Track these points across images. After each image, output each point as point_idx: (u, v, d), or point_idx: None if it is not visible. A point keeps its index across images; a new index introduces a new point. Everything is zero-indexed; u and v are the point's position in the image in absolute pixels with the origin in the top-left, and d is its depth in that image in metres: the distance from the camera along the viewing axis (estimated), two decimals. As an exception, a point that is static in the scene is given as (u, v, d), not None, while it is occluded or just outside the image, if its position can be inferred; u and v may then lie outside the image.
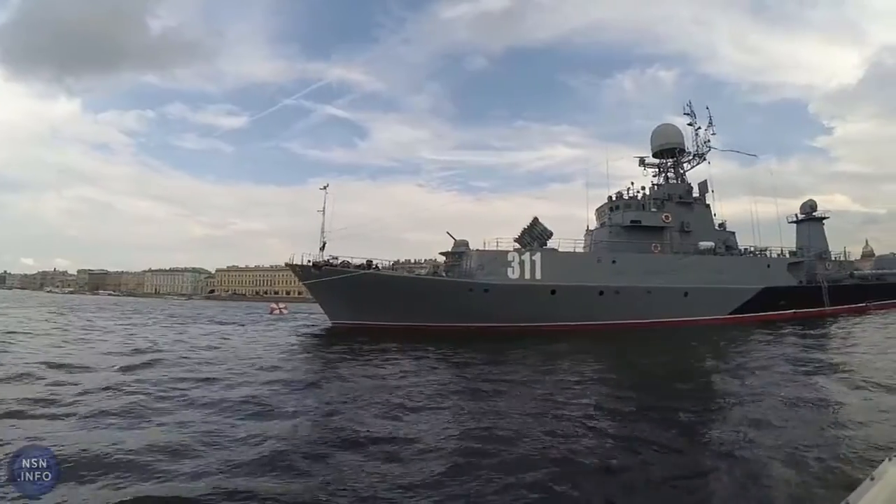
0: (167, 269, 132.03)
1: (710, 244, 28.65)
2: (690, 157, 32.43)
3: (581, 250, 29.34)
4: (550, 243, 27.88)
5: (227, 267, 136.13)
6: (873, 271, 34.26)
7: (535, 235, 27.92)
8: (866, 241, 46.27)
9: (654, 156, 32.70)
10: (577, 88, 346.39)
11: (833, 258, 34.15)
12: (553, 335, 22.24)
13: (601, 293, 26.16)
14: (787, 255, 31.56)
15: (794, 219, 36.00)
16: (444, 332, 23.06)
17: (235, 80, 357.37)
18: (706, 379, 12.15)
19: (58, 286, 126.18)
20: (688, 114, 32.82)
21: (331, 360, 15.09)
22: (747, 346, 18.23)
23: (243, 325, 29.72)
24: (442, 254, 29.83)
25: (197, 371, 12.11)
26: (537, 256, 26.41)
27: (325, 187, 26.79)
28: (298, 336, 23.53)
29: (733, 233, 31.33)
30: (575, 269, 26.62)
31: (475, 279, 25.76)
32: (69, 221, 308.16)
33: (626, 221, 28.74)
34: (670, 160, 32.05)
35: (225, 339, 21.05)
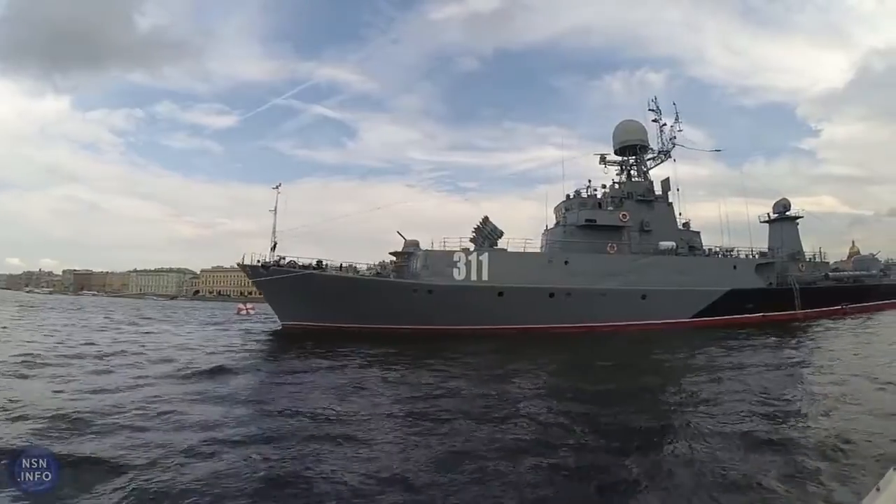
0: (152, 269, 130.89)
1: (671, 244, 26.91)
2: (655, 155, 30.70)
3: (538, 251, 27.68)
4: (515, 243, 26.44)
5: (213, 267, 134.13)
6: (850, 273, 32.44)
7: (484, 235, 26.26)
8: (853, 243, 44.24)
9: (617, 153, 30.99)
10: (566, 90, 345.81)
11: (809, 259, 32.35)
12: (500, 338, 21.19)
13: (551, 295, 24.52)
14: (757, 256, 29.76)
15: (766, 218, 34.18)
16: (389, 334, 22.17)
17: (225, 80, 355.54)
18: (639, 387, 11.02)
19: (38, 286, 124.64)
20: (653, 110, 31.20)
21: (233, 368, 13.18)
22: (698, 352, 16.61)
23: (203, 326, 28.57)
24: (391, 254, 28.24)
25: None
26: (484, 257, 24.93)
27: (277, 187, 26.51)
28: (241, 339, 21.96)
29: (698, 232, 29.61)
30: (524, 270, 25.02)
31: (419, 280, 24.58)
32: (56, 221, 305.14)
33: (580, 221, 27.07)
34: (632, 157, 30.32)
35: (146, 342, 19.27)
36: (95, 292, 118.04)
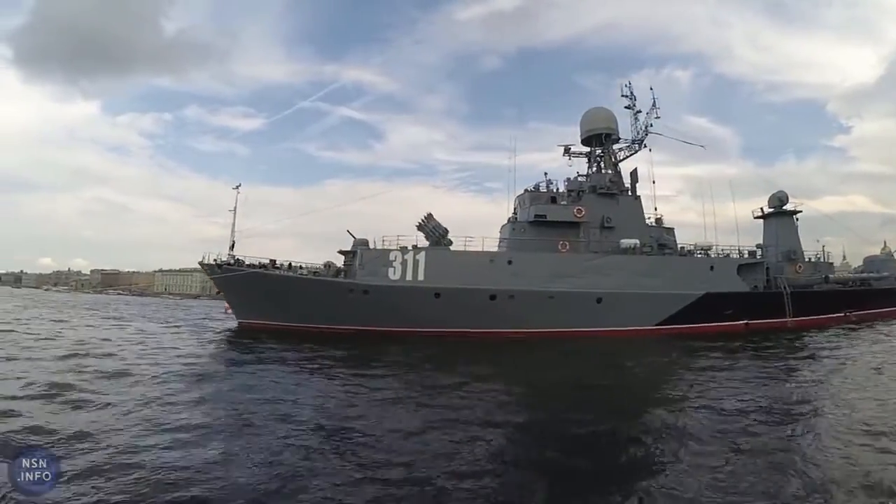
0: (177, 269, 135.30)
1: (634, 242, 24.04)
2: (629, 144, 27.80)
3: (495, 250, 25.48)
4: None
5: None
6: (856, 275, 28.22)
7: (427, 232, 24.34)
8: (884, 243, 39.15)
9: (584, 143, 28.29)
10: (591, 88, 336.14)
11: (808, 259, 28.39)
12: (435, 342, 19.68)
13: (493, 297, 22.31)
14: (742, 256, 26.19)
15: (760, 213, 30.30)
16: (331, 334, 21.43)
17: (250, 82, 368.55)
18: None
19: (66, 285, 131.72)
20: (626, 96, 28.23)
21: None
22: (630, 366, 14.25)
23: (178, 325, 28.21)
24: (340, 252, 26.86)
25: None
26: (421, 256, 23.18)
27: (237, 187, 26.65)
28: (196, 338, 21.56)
29: (670, 229, 26.48)
30: (463, 271, 22.97)
31: (356, 279, 23.33)
32: (85, 222, 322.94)
33: (530, 216, 24.60)
34: (599, 149, 27.56)
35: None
36: (121, 291, 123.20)
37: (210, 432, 7.01)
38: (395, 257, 23.28)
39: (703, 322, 23.36)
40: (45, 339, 17.95)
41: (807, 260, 28.18)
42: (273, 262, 25.47)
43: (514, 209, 26.44)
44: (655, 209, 27.07)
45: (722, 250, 26.38)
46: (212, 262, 25.37)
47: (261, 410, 8.33)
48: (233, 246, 25.83)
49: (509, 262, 23.19)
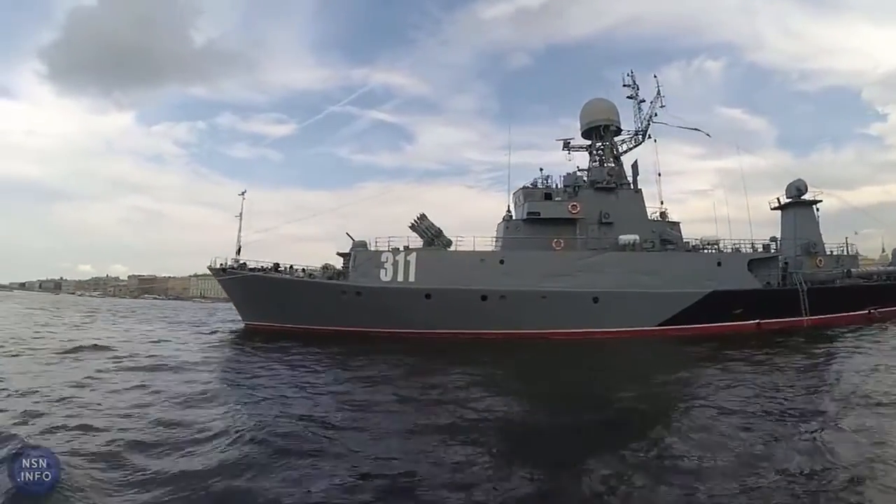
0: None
1: (633, 238, 22.99)
2: (631, 136, 26.68)
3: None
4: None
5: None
6: (883, 268, 26.03)
7: (419, 232, 24.15)
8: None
9: (584, 136, 27.33)
10: (619, 82, 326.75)
11: (830, 252, 26.40)
12: (427, 344, 19.42)
13: (484, 298, 21.86)
14: (760, 249, 24.56)
15: (777, 204, 28.37)
16: (328, 335, 21.58)
17: (281, 89, 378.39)
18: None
19: (88, 291, 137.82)
20: (628, 85, 27.12)
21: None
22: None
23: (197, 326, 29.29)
24: (338, 254, 27.09)
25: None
26: (412, 257, 23.07)
27: (242, 193, 27.39)
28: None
29: (675, 223, 25.19)
30: (454, 271, 22.65)
31: (349, 281, 23.53)
32: (124, 229, 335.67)
33: (524, 214, 23.94)
34: (599, 142, 26.57)
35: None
36: (156, 296, 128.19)
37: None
38: (387, 258, 23.21)
39: (709, 322, 22.13)
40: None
41: (829, 253, 26.22)
42: (276, 265, 25.93)
43: (508, 207, 25.79)
44: (662, 203, 25.92)
45: (733, 244, 24.86)
46: (217, 266, 26.09)
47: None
48: (239, 250, 26.53)
49: (501, 262, 22.66)
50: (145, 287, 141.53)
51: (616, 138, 26.94)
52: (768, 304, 22.94)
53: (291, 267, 26.28)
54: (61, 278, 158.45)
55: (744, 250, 24.45)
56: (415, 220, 24.44)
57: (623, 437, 6.80)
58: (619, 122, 26.78)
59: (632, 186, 25.22)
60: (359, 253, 23.92)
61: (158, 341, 19.93)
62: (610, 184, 24.62)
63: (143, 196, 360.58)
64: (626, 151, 26.66)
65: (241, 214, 26.89)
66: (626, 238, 23.00)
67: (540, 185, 25.16)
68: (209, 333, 24.52)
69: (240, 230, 26.67)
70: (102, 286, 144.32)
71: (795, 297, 22.92)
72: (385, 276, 23.02)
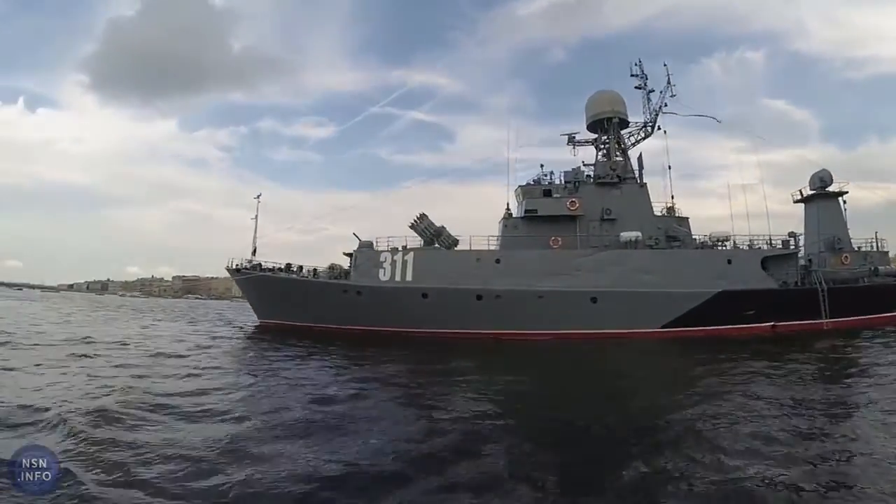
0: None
1: (634, 234, 22.00)
2: (640, 128, 25.45)
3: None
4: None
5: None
6: None
7: (419, 232, 24.01)
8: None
9: (590, 129, 26.26)
10: (661, 76, 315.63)
11: (858, 248, 24.42)
12: (424, 343, 19.39)
13: (479, 297, 21.52)
14: (777, 245, 22.99)
15: (799, 196, 26.37)
16: (334, 333, 22.10)
17: (321, 92, 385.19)
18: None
19: (131, 292, 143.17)
20: (635, 75, 25.76)
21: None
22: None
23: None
24: (345, 254, 27.41)
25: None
26: (409, 256, 23.04)
27: (257, 197, 28.54)
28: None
29: (684, 219, 23.88)
30: (451, 270, 22.47)
31: (350, 280, 23.89)
32: (169, 232, 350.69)
33: (522, 212, 23.31)
34: (605, 135, 25.48)
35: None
36: (199, 296, 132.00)
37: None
38: (385, 258, 23.29)
39: (719, 324, 20.97)
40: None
41: (856, 249, 24.26)
42: (288, 265, 26.64)
43: (507, 205, 25.16)
44: (672, 197, 24.64)
45: (749, 241, 23.36)
46: (234, 267, 27.28)
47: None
48: (254, 251, 27.69)
49: (497, 261, 22.20)
50: (189, 287, 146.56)
51: (624, 131, 25.75)
52: (784, 305, 21.50)
53: (301, 267, 26.79)
54: (108, 280, 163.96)
55: (761, 247, 22.95)
56: (415, 220, 24.27)
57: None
58: (625, 114, 25.59)
59: (637, 180, 24.06)
60: (359, 253, 24.10)
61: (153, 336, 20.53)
62: (612, 178, 23.58)
63: (188, 199, 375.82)
64: (634, 144, 25.47)
65: (256, 217, 27.95)
66: (627, 235, 22.04)
67: (543, 182, 24.45)
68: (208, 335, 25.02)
69: (255, 232, 27.86)
70: (147, 287, 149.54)
71: (814, 298, 21.38)
72: (384, 275, 23.09)
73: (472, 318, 21.59)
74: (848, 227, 24.56)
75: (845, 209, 24.73)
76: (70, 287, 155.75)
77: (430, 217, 24.24)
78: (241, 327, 27.35)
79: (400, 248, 23.51)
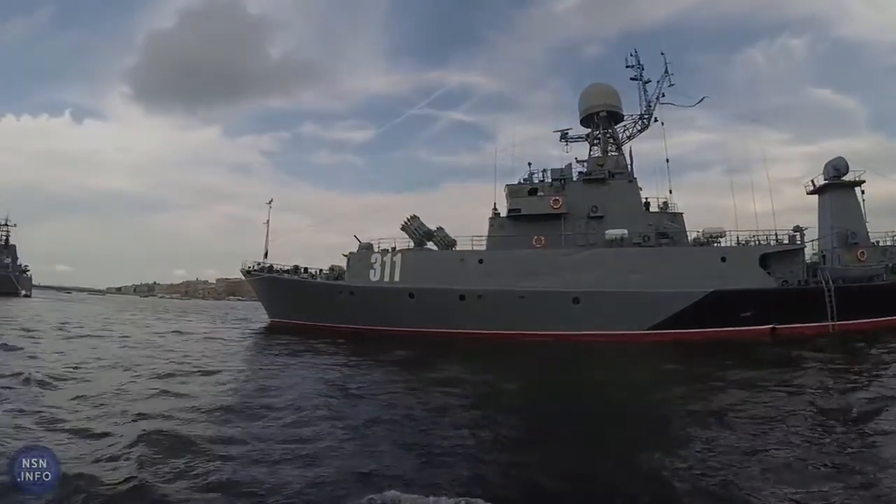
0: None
1: (621, 232, 21.30)
2: (635, 121, 24.52)
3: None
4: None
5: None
6: None
7: (409, 233, 24.52)
8: None
9: (583, 124, 25.55)
10: (703, 68, 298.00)
11: (875, 243, 22.35)
12: (411, 341, 19.63)
13: (462, 297, 21.70)
14: (778, 242, 21.52)
15: (812, 187, 24.32)
16: (335, 332, 22.89)
17: (359, 96, 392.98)
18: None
19: (164, 293, 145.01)
20: (631, 66, 24.72)
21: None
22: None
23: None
24: (344, 255, 28.37)
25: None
26: (398, 257, 23.56)
27: (269, 202, 30.04)
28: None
29: (678, 215, 22.81)
30: (436, 271, 22.89)
31: (344, 281, 24.89)
32: (214, 236, 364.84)
33: (506, 212, 23.15)
34: (597, 130, 24.70)
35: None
36: (240, 297, 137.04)
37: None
38: (376, 259, 23.96)
39: (712, 326, 19.97)
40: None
41: (874, 244, 22.23)
42: (296, 267, 27.89)
43: (494, 205, 24.99)
44: (670, 192, 23.63)
45: (752, 237, 21.97)
46: (246, 268, 28.90)
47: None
48: (266, 254, 29.12)
49: (480, 262, 22.23)
50: (232, 289, 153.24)
51: (619, 125, 24.88)
52: (786, 306, 20.14)
53: (306, 269, 27.96)
54: (154, 283, 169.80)
55: (766, 243, 21.51)
56: (406, 221, 24.75)
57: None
58: (619, 108, 24.72)
59: (627, 176, 23.22)
60: (353, 255, 24.91)
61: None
62: (601, 174, 22.87)
63: (232, 204, 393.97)
64: (629, 139, 24.56)
65: (268, 221, 29.46)
66: (613, 233, 21.38)
67: (534, 180, 24.13)
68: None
69: (267, 235, 29.35)
70: (192, 289, 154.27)
71: (820, 298, 19.87)
72: (374, 276, 23.78)
73: (456, 318, 21.76)
74: (867, 219, 22.56)
75: (864, 200, 22.69)
76: (118, 290, 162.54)
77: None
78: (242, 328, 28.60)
79: (389, 250, 24.02)
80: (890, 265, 20.79)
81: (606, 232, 21.55)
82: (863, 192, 22.79)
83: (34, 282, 75.99)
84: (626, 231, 21.29)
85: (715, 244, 21.74)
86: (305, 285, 26.22)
